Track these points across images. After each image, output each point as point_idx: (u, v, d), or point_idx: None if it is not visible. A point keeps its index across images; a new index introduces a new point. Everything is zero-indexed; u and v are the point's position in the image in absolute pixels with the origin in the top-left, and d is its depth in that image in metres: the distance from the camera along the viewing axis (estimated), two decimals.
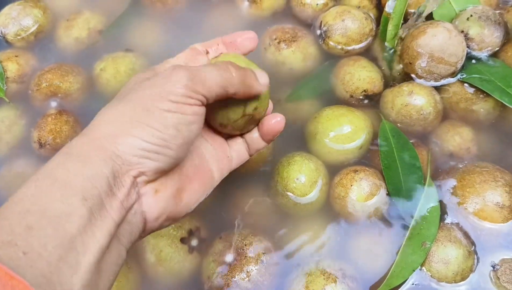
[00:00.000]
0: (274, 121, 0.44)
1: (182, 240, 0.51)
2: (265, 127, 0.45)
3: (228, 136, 0.46)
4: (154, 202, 0.35)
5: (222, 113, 0.42)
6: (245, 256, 0.49)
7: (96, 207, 0.31)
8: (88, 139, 0.34)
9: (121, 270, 0.49)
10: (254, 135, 0.46)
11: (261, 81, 0.42)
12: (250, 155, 0.47)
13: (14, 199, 0.30)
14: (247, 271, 0.48)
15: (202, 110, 0.37)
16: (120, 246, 0.33)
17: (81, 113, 0.63)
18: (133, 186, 0.34)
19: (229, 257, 0.49)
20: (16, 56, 0.66)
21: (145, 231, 0.36)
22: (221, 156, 0.44)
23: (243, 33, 0.46)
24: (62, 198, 0.30)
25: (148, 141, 0.34)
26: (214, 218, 0.53)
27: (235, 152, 0.45)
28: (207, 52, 0.45)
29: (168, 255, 0.51)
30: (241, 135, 0.46)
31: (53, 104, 0.63)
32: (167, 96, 0.35)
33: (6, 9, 0.70)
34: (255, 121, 0.44)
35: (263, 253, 0.49)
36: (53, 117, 0.60)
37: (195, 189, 0.40)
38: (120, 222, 0.32)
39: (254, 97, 0.42)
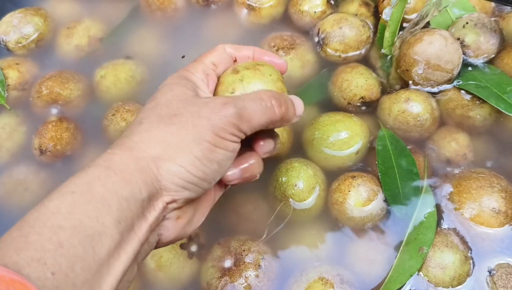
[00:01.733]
0: (260, 145, 0.42)
1: (182, 246, 0.52)
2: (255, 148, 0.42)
3: None
4: (174, 227, 0.36)
5: None
6: (244, 262, 0.49)
7: (126, 229, 0.31)
8: (131, 156, 0.33)
9: None
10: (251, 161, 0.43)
11: (298, 113, 0.41)
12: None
13: (45, 211, 0.29)
14: (246, 277, 0.48)
15: (239, 146, 0.37)
16: (134, 263, 0.33)
17: (81, 120, 0.63)
18: (163, 211, 0.34)
19: (228, 263, 0.50)
20: (17, 64, 0.67)
21: (154, 249, 0.36)
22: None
23: (274, 57, 0.44)
24: (97, 216, 0.29)
25: (191, 172, 0.34)
26: (213, 224, 0.53)
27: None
28: (235, 61, 0.44)
29: (167, 261, 0.51)
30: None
31: (54, 111, 0.63)
32: (216, 131, 0.34)
33: (7, 17, 0.70)
34: None
35: (262, 259, 0.50)
36: (54, 124, 0.60)
37: (203, 212, 0.40)
38: (144, 241, 0.33)
39: None
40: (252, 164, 0.40)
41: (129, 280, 0.33)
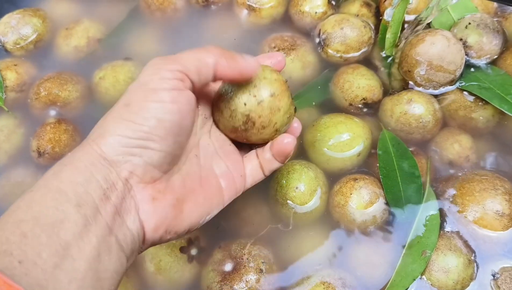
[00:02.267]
0: (286, 142, 0.42)
1: (182, 249, 0.51)
2: (275, 147, 0.42)
3: (240, 148, 0.45)
4: (152, 210, 0.35)
5: (226, 113, 0.41)
6: (245, 266, 0.49)
7: (90, 212, 0.31)
8: (80, 147, 0.34)
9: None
10: (266, 156, 0.43)
11: (248, 60, 0.39)
12: (265, 176, 0.44)
13: (8, 211, 0.30)
14: (246, 281, 0.48)
15: (184, 96, 0.35)
16: (121, 253, 0.32)
17: (80, 121, 0.63)
18: (126, 189, 0.34)
19: (229, 266, 0.49)
20: (15, 65, 0.66)
21: (145, 243, 0.35)
22: (235, 174, 0.42)
23: (272, 55, 0.44)
24: (56, 205, 0.30)
25: (129, 136, 0.33)
26: (213, 227, 0.53)
27: (250, 171, 0.44)
28: None
29: (167, 264, 0.50)
30: (251, 147, 0.45)
31: (52, 113, 0.63)
32: (144, 86, 0.34)
33: (5, 18, 0.70)
34: (262, 129, 0.42)
35: (263, 262, 0.49)
36: (52, 126, 0.60)
37: (199, 202, 0.38)
38: (113, 226, 0.32)
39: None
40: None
41: (118, 271, 0.32)
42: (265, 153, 0.43)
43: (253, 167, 0.44)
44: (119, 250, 0.32)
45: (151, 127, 0.33)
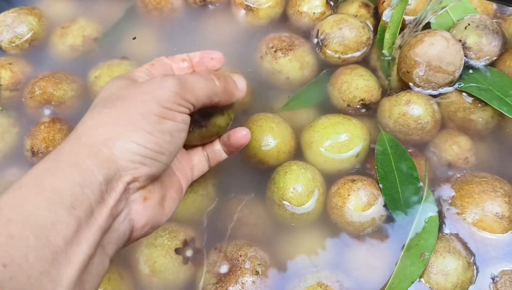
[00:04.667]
0: (242, 135, 0.46)
1: (177, 251, 0.50)
2: (231, 139, 0.46)
3: (189, 147, 0.47)
4: (143, 209, 0.35)
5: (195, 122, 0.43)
6: (240, 268, 0.48)
7: (84, 215, 0.30)
8: (80, 144, 0.33)
9: (114, 281, 0.49)
10: (216, 148, 0.48)
11: (239, 87, 0.44)
12: (210, 167, 0.48)
13: None
14: (242, 283, 0.47)
15: (188, 118, 0.38)
16: (104, 256, 0.32)
17: (75, 121, 0.62)
18: (124, 192, 0.33)
19: (224, 268, 0.48)
20: (10, 64, 0.66)
21: (130, 239, 0.36)
22: (185, 167, 0.45)
23: (210, 53, 0.46)
24: (48, 206, 0.29)
25: (144, 146, 0.34)
26: (209, 229, 0.52)
27: (197, 163, 0.47)
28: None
29: (162, 266, 0.50)
30: (203, 146, 0.48)
31: (47, 112, 0.62)
32: (161, 102, 0.35)
33: (0, 16, 0.69)
34: (221, 132, 0.46)
35: (259, 264, 0.49)
36: (46, 125, 0.59)
37: (173, 197, 0.40)
38: (106, 230, 0.32)
39: (230, 106, 0.45)
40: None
41: (100, 274, 0.32)
42: (214, 144, 0.48)
43: (200, 159, 0.47)
44: (103, 254, 0.32)
45: (165, 142, 0.35)
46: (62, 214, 0.29)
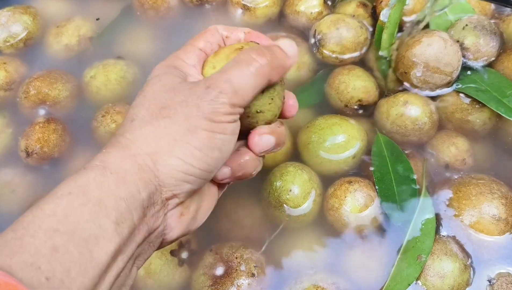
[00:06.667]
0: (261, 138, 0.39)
1: (172, 253, 0.50)
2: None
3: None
4: (178, 225, 0.34)
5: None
6: (236, 270, 0.48)
7: (127, 232, 0.29)
8: (127, 155, 0.32)
9: None
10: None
11: (290, 53, 0.37)
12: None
13: (40, 212, 0.27)
14: (238, 285, 0.47)
15: (238, 125, 0.35)
16: (134, 268, 0.32)
17: (70, 121, 0.61)
18: (162, 208, 0.32)
19: (220, 270, 0.48)
20: (5, 63, 0.65)
21: (157, 250, 0.35)
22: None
23: (267, 39, 0.41)
24: (93, 219, 0.28)
25: (192, 164, 0.32)
26: (204, 230, 0.52)
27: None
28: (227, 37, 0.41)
29: (157, 268, 0.49)
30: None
31: (42, 112, 0.62)
32: (209, 116, 0.32)
33: None
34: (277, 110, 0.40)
35: (255, 266, 0.48)
36: (41, 125, 0.59)
37: (206, 207, 0.38)
38: (140, 244, 0.31)
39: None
40: (246, 161, 0.38)
41: (126, 284, 0.31)
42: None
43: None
44: (133, 265, 0.31)
45: (213, 159, 0.33)
46: (106, 229, 0.28)
